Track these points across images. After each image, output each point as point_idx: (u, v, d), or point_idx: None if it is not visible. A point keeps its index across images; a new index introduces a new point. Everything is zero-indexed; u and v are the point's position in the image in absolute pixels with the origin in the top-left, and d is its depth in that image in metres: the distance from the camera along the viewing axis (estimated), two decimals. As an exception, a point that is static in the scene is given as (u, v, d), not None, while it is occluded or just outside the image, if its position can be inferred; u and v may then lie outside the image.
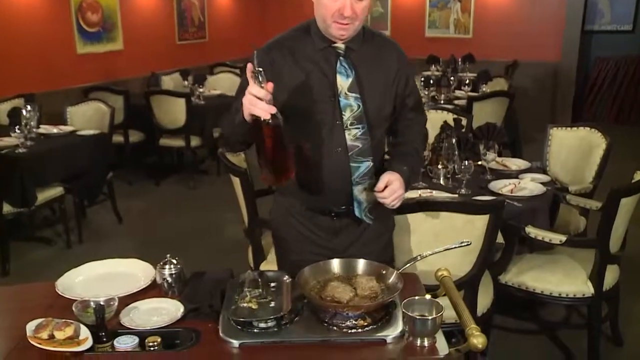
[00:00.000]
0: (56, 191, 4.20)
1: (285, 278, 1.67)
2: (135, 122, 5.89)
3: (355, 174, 1.82)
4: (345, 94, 1.77)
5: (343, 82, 1.77)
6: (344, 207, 1.89)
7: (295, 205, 1.94)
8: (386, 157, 1.99)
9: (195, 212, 5.10)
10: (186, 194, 5.68)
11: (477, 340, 1.34)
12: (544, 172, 3.40)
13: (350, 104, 1.77)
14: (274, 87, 1.51)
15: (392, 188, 1.76)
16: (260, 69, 1.48)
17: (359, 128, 1.79)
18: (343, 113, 1.77)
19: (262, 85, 1.48)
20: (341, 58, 1.77)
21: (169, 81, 6.84)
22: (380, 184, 1.77)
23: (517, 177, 3.15)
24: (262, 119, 1.48)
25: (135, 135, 5.97)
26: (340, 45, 1.77)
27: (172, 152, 6.28)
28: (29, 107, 4.24)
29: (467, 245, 1.71)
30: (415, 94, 1.95)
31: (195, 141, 5.80)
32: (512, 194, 2.88)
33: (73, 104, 5.06)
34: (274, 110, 1.48)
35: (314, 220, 1.93)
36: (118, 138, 5.69)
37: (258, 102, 1.48)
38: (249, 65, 1.50)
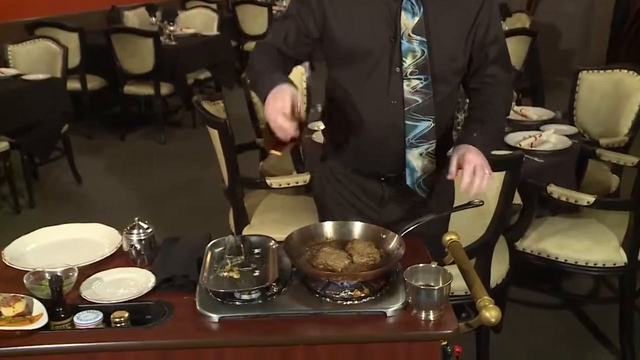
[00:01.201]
0: (0, 146, 4.15)
1: (271, 244, 1.69)
2: (94, 65, 5.81)
3: (410, 134, 1.77)
4: (409, 35, 1.69)
5: (408, 20, 1.69)
6: (394, 173, 1.86)
7: (339, 167, 1.94)
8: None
9: (167, 171, 5.12)
10: (156, 149, 5.69)
11: (490, 313, 1.36)
12: (570, 122, 3.42)
13: (414, 49, 1.70)
14: (325, 22, 1.60)
15: (468, 169, 1.62)
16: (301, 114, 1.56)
17: (420, 79, 1.72)
18: (404, 59, 1.71)
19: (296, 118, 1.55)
20: None
21: (133, 17, 6.74)
22: (452, 168, 1.66)
23: (538, 129, 3.17)
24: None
25: (94, 82, 5.90)
26: None
27: (139, 101, 6.26)
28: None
29: (479, 206, 1.73)
30: (500, 43, 1.81)
31: (165, 88, 5.75)
32: (532, 148, 2.90)
33: (15, 42, 4.90)
34: (294, 135, 1.54)
35: (361, 184, 1.92)
36: (74, 84, 5.62)
37: (284, 129, 1.53)
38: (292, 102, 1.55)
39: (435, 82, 1.74)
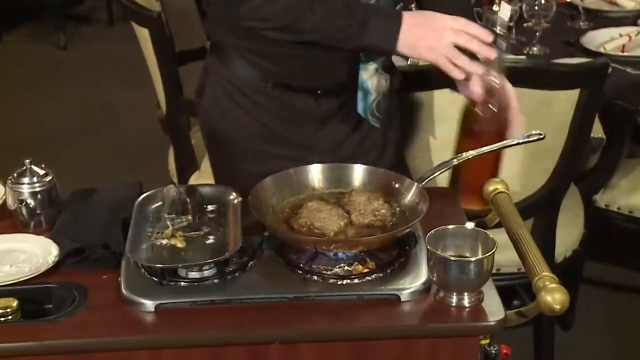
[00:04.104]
0: None
1: (231, 197, 1.72)
2: None
3: None
4: None
5: None
6: (339, 95, 1.98)
7: (253, 78, 1.99)
8: None
9: (70, 91, 5.11)
10: (53, 58, 5.68)
11: (553, 297, 1.39)
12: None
13: None
14: None
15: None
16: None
17: None
18: None
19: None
20: None
21: None
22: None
23: (635, 24, 3.16)
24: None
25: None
26: None
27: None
28: None
29: (539, 140, 1.76)
30: None
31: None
32: (624, 54, 2.90)
33: None
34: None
35: (285, 99, 1.99)
36: None
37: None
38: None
39: None
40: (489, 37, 1.72)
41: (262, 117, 2.01)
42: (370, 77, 1.95)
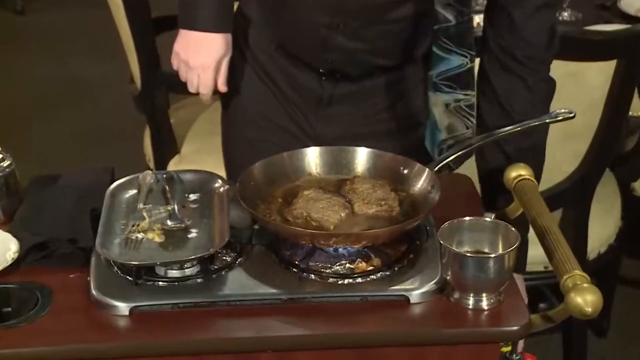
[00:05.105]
0: None
1: (216, 185, 1.73)
2: None
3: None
4: None
5: None
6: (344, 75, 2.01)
7: (259, 33, 2.07)
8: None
9: (29, 61, 5.13)
10: (9, 24, 5.71)
11: (584, 298, 1.39)
12: None
13: None
14: None
15: None
16: None
17: None
18: None
19: None
20: None
21: None
22: None
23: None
24: None
25: None
26: None
27: None
28: None
29: (569, 119, 1.78)
30: None
31: None
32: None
33: None
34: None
35: (289, 72, 2.05)
36: None
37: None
38: None
39: None
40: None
41: (268, 82, 2.08)
42: (438, 111, 1.99)
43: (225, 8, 1.97)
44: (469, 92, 1.96)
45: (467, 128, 1.99)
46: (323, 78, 2.02)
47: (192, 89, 2.01)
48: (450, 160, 1.77)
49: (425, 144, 2.03)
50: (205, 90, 1.99)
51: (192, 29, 1.96)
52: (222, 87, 2.00)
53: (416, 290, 1.52)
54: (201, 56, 1.96)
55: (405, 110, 2.09)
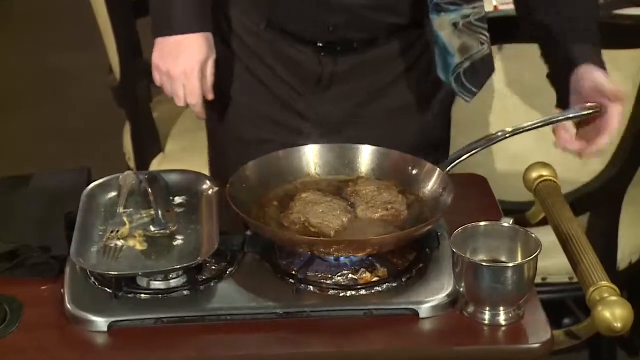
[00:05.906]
0: None
1: (205, 187, 1.74)
2: None
3: None
4: None
5: None
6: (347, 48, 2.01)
7: (244, 13, 2.08)
8: None
9: (1, 52, 5.15)
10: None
11: (613, 312, 1.40)
12: None
13: None
14: None
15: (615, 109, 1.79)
16: None
17: None
18: None
19: None
20: None
21: None
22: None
23: None
24: None
25: None
26: None
27: None
28: None
29: (595, 113, 1.77)
30: None
31: None
32: None
33: None
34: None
35: (282, 50, 2.06)
36: None
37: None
38: None
39: None
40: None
41: (257, 70, 2.09)
42: (446, 33, 1.96)
43: (200, 4, 1.98)
44: (476, 4, 1.94)
45: (482, 44, 1.97)
46: (322, 54, 2.02)
47: (179, 102, 2.01)
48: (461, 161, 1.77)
49: (438, 75, 2.00)
50: (194, 99, 1.99)
51: (168, 35, 1.98)
52: (209, 95, 2.01)
53: (426, 304, 1.52)
54: (182, 62, 1.96)
55: (415, 81, 2.11)
